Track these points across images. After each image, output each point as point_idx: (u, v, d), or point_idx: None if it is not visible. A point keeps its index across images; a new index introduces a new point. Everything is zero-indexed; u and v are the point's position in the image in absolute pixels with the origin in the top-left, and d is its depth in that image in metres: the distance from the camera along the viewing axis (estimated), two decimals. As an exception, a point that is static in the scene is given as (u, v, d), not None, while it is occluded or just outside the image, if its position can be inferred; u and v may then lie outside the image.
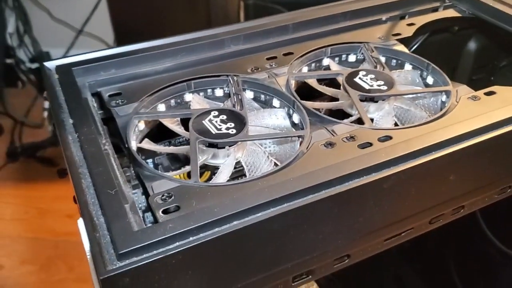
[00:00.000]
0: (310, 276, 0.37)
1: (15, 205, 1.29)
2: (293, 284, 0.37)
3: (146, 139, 0.44)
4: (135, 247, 0.29)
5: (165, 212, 0.33)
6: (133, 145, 0.41)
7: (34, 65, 1.63)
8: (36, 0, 1.60)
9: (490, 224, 0.71)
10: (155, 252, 0.29)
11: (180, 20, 1.35)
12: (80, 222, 0.31)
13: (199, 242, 0.30)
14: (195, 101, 0.47)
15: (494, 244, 0.71)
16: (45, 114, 1.55)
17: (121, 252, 0.29)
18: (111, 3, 1.52)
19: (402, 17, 0.59)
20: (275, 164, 0.41)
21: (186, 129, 0.43)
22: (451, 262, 0.82)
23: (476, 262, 0.80)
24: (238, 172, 0.44)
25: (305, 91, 0.49)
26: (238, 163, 0.42)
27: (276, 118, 0.45)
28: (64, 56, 0.47)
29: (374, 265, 0.83)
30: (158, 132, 0.47)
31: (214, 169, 0.45)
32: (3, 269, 1.13)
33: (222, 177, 0.39)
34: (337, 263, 0.39)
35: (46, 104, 1.56)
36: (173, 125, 0.45)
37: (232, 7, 1.27)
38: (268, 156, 0.41)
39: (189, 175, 0.44)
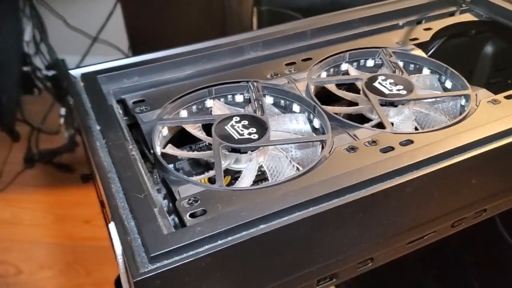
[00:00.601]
0: (334, 280, 0.38)
1: (33, 210, 1.31)
2: (317, 287, 0.38)
3: (169, 145, 0.45)
4: (165, 250, 0.30)
5: (192, 216, 0.33)
6: (158, 150, 0.42)
7: (51, 73, 1.66)
8: (52, 9, 1.63)
9: (509, 230, 0.71)
10: (185, 255, 0.30)
11: (195, 27, 1.37)
12: (112, 226, 0.32)
13: (228, 245, 0.31)
14: (216, 107, 0.48)
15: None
16: (62, 120, 1.57)
17: (152, 255, 0.29)
18: (126, 11, 1.55)
19: (418, 22, 0.59)
20: (297, 169, 0.41)
21: (207, 134, 0.44)
22: (470, 268, 0.82)
23: (496, 267, 0.80)
24: (258, 176, 0.45)
25: (323, 96, 0.49)
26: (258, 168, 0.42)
27: (296, 123, 0.46)
28: (89, 64, 0.48)
29: (394, 273, 0.83)
30: (179, 138, 0.48)
31: (234, 174, 0.46)
32: (22, 273, 1.15)
33: (245, 181, 0.40)
34: (361, 267, 0.39)
35: (63, 111, 1.58)
36: (195, 130, 0.46)
37: (246, 13, 1.28)
38: (290, 161, 0.41)
39: (209, 180, 0.45)
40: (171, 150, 0.44)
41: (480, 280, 0.80)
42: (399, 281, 0.88)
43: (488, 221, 0.72)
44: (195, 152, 0.49)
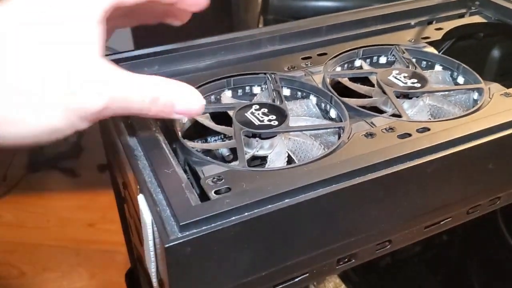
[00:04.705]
0: (353, 260, 0.38)
1: (36, 214, 1.31)
2: (337, 267, 0.38)
3: (185, 140, 0.46)
4: (195, 219, 0.30)
5: (217, 193, 0.34)
6: (179, 134, 0.43)
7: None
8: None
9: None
10: (213, 224, 0.31)
11: (202, 35, 1.38)
12: (141, 198, 0.33)
13: (254, 216, 0.31)
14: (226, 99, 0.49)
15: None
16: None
17: (182, 223, 0.30)
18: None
19: (429, 22, 0.61)
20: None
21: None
22: (473, 273, 0.82)
23: (499, 273, 0.80)
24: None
25: (337, 91, 0.51)
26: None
27: (306, 107, 0.47)
28: (110, 53, 0.49)
29: (398, 276, 0.83)
30: (194, 131, 0.49)
31: (250, 162, 0.47)
32: (25, 276, 1.14)
33: (276, 165, 0.41)
34: (379, 248, 0.40)
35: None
36: (211, 123, 0.46)
37: (253, 22, 1.30)
38: (317, 144, 0.42)
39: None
40: (192, 143, 0.44)
41: (483, 285, 0.81)
42: (403, 285, 0.88)
43: (493, 229, 0.73)
44: (218, 143, 0.50)
